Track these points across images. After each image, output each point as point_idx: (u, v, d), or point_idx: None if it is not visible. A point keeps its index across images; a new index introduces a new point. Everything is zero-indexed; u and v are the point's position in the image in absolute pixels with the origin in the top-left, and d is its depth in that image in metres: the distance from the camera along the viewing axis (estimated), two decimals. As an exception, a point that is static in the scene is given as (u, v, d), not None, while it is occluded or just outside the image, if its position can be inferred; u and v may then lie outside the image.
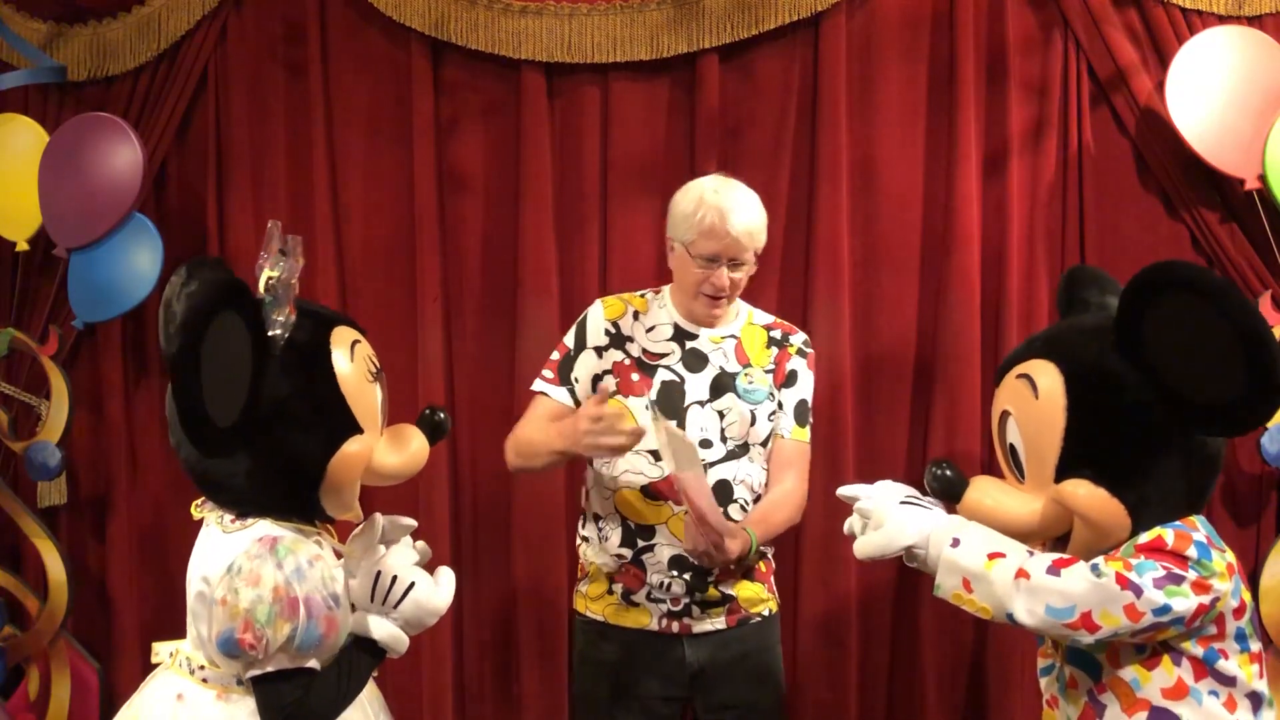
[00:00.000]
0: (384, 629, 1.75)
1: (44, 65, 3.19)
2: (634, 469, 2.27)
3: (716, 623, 2.29)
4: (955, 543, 1.64)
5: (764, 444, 2.31)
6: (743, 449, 2.28)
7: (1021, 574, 1.59)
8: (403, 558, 1.79)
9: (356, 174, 3.20)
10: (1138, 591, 1.56)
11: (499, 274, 3.16)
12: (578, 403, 2.33)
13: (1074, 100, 3.01)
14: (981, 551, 1.63)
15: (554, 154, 3.12)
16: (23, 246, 3.22)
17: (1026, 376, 1.73)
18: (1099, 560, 1.60)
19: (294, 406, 1.71)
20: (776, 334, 2.37)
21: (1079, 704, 1.72)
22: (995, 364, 2.98)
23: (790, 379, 2.34)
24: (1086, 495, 1.64)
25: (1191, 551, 1.60)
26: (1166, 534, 1.63)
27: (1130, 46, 2.98)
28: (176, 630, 1.89)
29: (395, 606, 1.73)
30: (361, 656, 1.76)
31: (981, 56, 3.03)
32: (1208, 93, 2.85)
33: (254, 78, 3.22)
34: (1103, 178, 3.04)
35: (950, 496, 1.75)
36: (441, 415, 1.89)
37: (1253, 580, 2.91)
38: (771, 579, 2.41)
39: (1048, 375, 1.70)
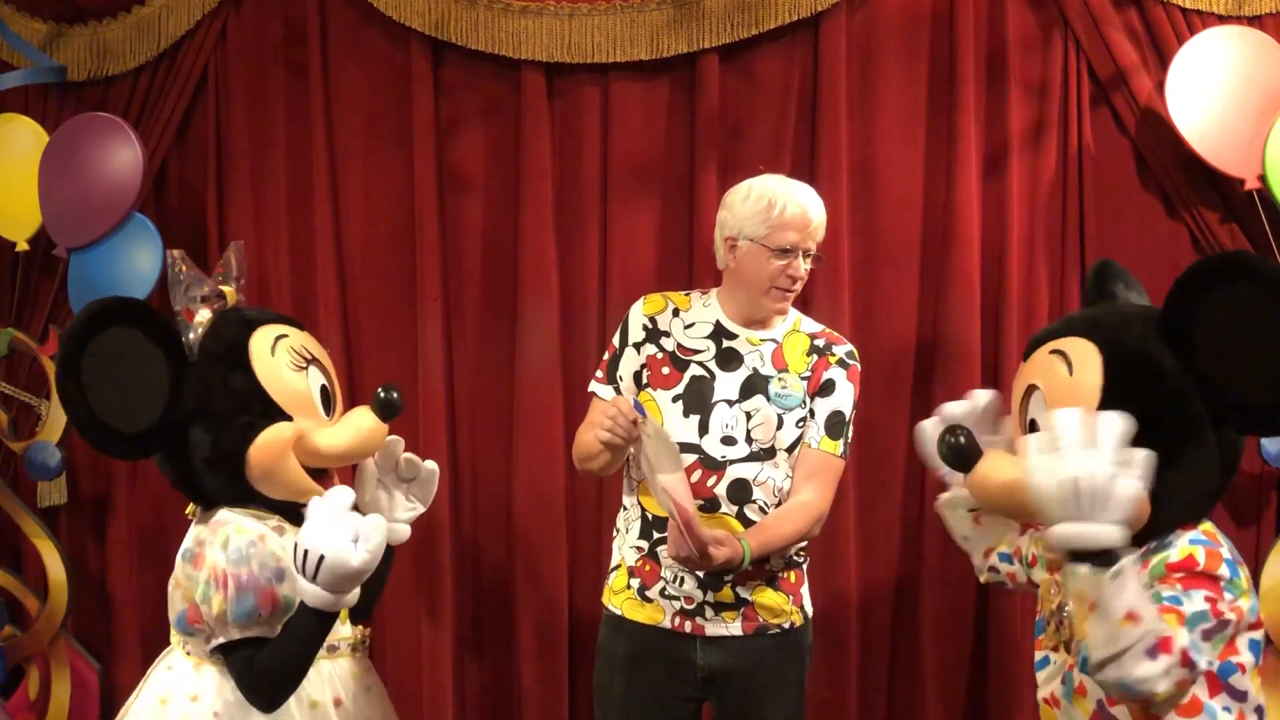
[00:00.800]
0: (309, 592, 1.75)
1: (44, 65, 3.19)
2: None
3: (732, 628, 2.27)
4: (1118, 574, 1.47)
5: (790, 450, 2.29)
6: (768, 452, 2.26)
7: (1166, 647, 1.48)
8: (320, 518, 1.72)
9: (356, 174, 3.20)
10: (1193, 666, 1.51)
11: (499, 274, 3.16)
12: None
13: (1074, 100, 3.01)
14: (1123, 605, 1.47)
15: (554, 154, 3.12)
16: (23, 246, 3.22)
17: (1061, 353, 1.68)
18: (1167, 633, 1.50)
19: (212, 404, 1.84)
20: (820, 343, 2.35)
21: (1086, 712, 1.69)
22: (995, 364, 3.01)
23: (825, 388, 2.31)
24: None
25: (1224, 570, 1.57)
26: (1197, 552, 1.58)
27: (1130, 46, 2.98)
28: (177, 630, 1.94)
29: (314, 579, 1.72)
30: (302, 619, 1.79)
31: (981, 56, 3.03)
32: (1208, 93, 2.85)
33: (254, 78, 3.22)
34: (1103, 178, 3.04)
35: (962, 466, 1.68)
36: (395, 394, 1.97)
37: (1253, 580, 2.91)
38: (803, 590, 2.36)
39: (1085, 353, 1.66)
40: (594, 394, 2.39)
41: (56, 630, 3.23)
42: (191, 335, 1.89)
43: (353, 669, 1.98)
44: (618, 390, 2.34)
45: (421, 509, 2.11)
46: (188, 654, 1.92)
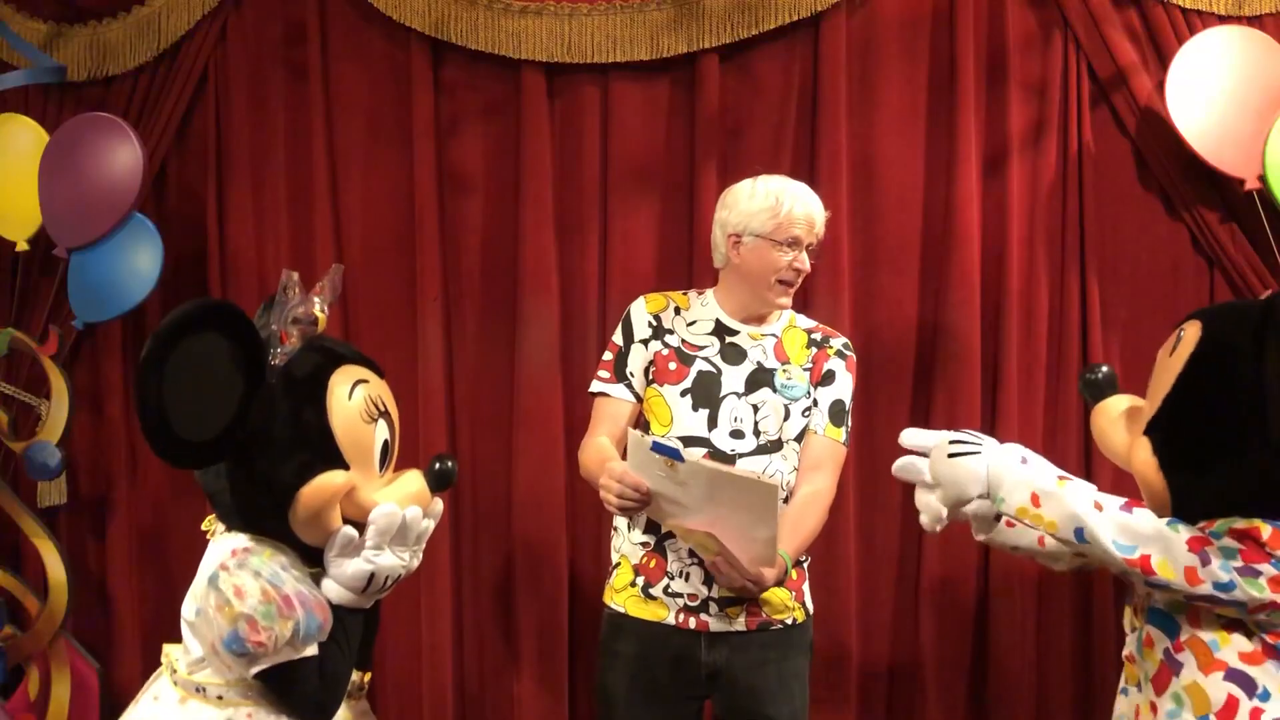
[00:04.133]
0: (334, 591, 1.82)
1: (44, 65, 3.19)
2: None
3: (736, 624, 2.27)
4: (1024, 460, 1.71)
5: (797, 440, 2.32)
6: (775, 445, 2.29)
7: (1097, 505, 1.65)
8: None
9: (356, 174, 3.20)
10: (1205, 561, 1.61)
11: (499, 274, 3.16)
12: (636, 396, 2.36)
13: (1074, 100, 3.02)
14: (1051, 474, 1.71)
15: (554, 154, 3.12)
16: (23, 246, 3.22)
17: (1181, 332, 1.76)
18: (1178, 521, 1.66)
19: (277, 432, 1.79)
20: (817, 336, 2.40)
21: (1155, 661, 1.74)
22: (995, 363, 3.02)
23: (827, 378, 2.35)
24: (1139, 458, 1.71)
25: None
26: (1265, 529, 1.62)
27: (1130, 46, 2.98)
28: (176, 629, 1.93)
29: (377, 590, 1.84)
30: (351, 624, 1.84)
31: (981, 56, 3.03)
32: (1208, 93, 2.85)
33: (254, 78, 3.22)
34: (1103, 178, 3.04)
35: (1094, 397, 1.88)
36: (450, 464, 1.95)
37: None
38: (804, 587, 2.37)
39: (1192, 336, 1.72)
40: (604, 394, 2.38)
41: (56, 630, 3.22)
42: (274, 358, 1.84)
43: (345, 714, 1.93)
44: (629, 386, 2.35)
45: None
46: (174, 684, 1.87)
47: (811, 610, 2.39)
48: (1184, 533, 1.63)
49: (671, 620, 2.28)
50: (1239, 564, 1.60)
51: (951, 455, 1.75)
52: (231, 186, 3.23)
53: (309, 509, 1.80)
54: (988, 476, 1.73)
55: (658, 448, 2.04)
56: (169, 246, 3.14)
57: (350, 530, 1.80)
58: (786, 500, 2.29)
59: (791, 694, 2.33)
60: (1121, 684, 1.86)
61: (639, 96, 3.10)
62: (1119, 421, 1.82)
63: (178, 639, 1.92)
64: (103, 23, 3.26)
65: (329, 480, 1.79)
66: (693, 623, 2.27)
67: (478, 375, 3.18)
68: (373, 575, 1.82)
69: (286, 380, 1.82)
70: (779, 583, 2.19)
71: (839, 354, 2.38)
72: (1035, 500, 1.68)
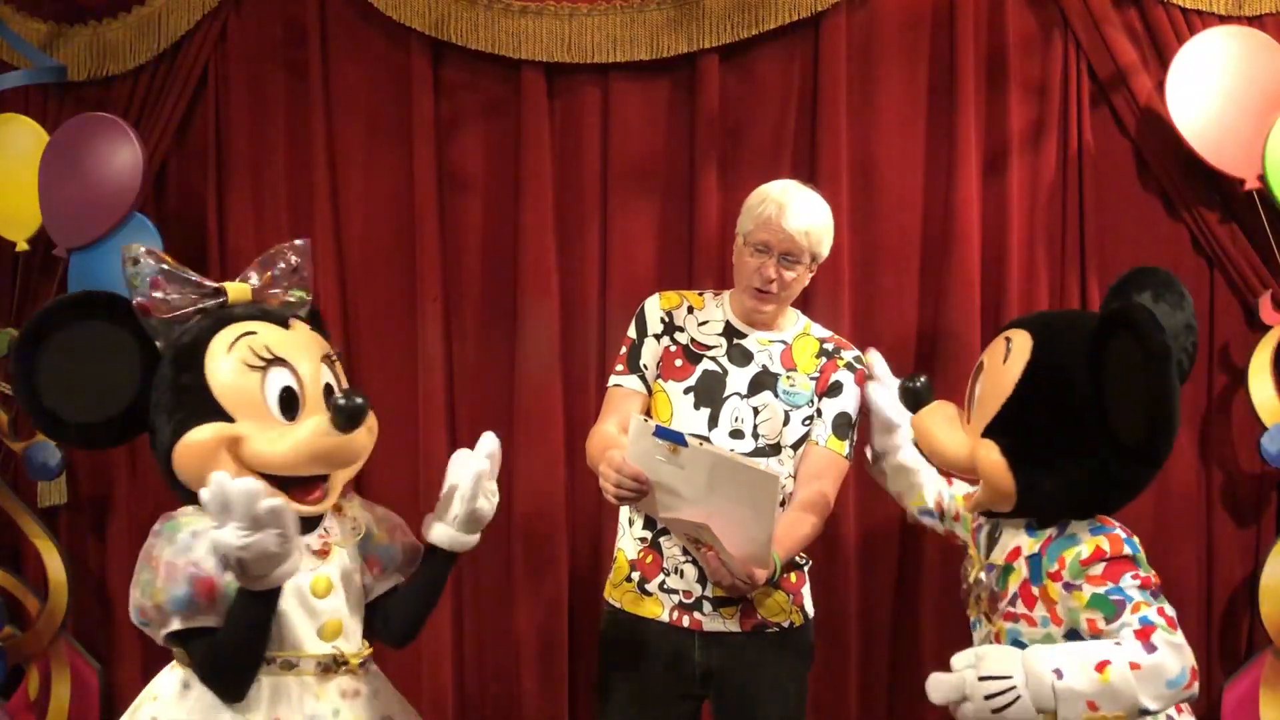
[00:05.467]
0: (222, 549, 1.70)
1: (44, 65, 3.19)
2: None
3: (730, 624, 2.27)
4: (1058, 673, 1.64)
5: (795, 447, 2.31)
6: (774, 448, 2.29)
7: (1134, 666, 1.64)
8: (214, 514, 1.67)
9: (356, 174, 3.20)
10: (1159, 626, 1.67)
11: (499, 274, 3.16)
12: (649, 387, 2.36)
13: (1074, 100, 3.02)
14: (1088, 667, 1.64)
15: (554, 154, 3.12)
16: (23, 246, 3.22)
17: (1009, 340, 1.87)
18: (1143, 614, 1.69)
19: (161, 400, 1.82)
20: (829, 346, 2.38)
21: None
22: (995, 364, 3.01)
23: (833, 389, 2.34)
24: (988, 459, 1.82)
25: (1127, 549, 1.76)
26: (1101, 542, 1.76)
27: (1130, 46, 2.99)
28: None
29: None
30: (236, 602, 1.73)
31: (981, 56, 3.03)
32: (1208, 93, 2.86)
33: (254, 78, 3.22)
34: (1103, 178, 3.04)
35: (912, 407, 2.03)
36: (357, 400, 1.75)
37: (1252, 580, 2.92)
38: (803, 591, 2.36)
39: (1023, 347, 1.84)
40: (617, 385, 2.38)
41: (56, 630, 3.23)
42: (159, 343, 1.88)
43: (316, 689, 1.86)
44: (642, 377, 2.35)
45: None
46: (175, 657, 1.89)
47: (811, 614, 2.38)
48: (1125, 638, 1.67)
49: (666, 617, 2.28)
50: (1151, 593, 1.70)
51: (996, 709, 1.64)
52: (231, 186, 3.23)
53: (184, 468, 1.79)
54: (1036, 711, 1.64)
55: (661, 432, 2.04)
56: (169, 246, 3.12)
57: (203, 493, 1.63)
58: (783, 504, 2.28)
59: (786, 698, 2.32)
60: None
61: (639, 96, 3.10)
62: (952, 425, 1.94)
63: None
64: (103, 23, 3.26)
65: (196, 435, 1.77)
66: (686, 621, 2.27)
67: (478, 375, 3.18)
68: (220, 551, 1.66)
69: (173, 350, 1.84)
70: (769, 584, 2.18)
71: (848, 366, 2.36)
72: (1093, 707, 1.63)
